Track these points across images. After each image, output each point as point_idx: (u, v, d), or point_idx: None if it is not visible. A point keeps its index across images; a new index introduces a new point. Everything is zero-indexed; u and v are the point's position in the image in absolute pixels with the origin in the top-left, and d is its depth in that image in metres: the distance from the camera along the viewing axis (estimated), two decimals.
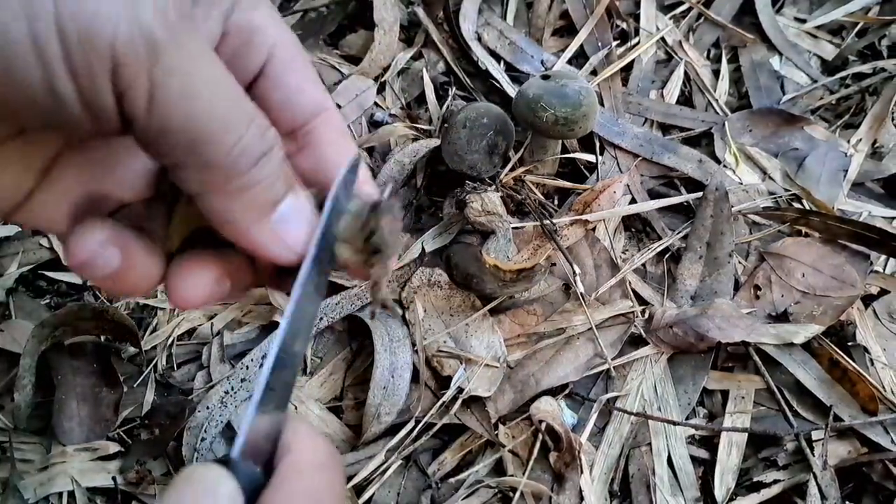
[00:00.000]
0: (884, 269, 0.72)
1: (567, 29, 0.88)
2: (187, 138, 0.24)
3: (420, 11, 0.85)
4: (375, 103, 0.81)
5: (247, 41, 0.30)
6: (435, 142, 0.75)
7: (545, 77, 0.70)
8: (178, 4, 0.24)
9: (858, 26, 0.88)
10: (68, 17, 0.22)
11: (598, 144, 0.78)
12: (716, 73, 0.86)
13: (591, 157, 0.77)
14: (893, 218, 0.76)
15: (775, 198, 0.75)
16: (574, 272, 0.67)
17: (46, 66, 0.22)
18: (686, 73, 0.85)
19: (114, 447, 0.61)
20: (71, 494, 0.58)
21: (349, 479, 0.59)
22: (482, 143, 0.69)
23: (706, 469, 0.62)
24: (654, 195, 0.76)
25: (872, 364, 0.65)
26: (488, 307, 0.67)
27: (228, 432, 0.62)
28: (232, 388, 0.62)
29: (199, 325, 0.67)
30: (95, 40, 0.22)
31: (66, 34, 0.22)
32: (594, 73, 0.83)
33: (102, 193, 0.32)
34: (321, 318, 0.65)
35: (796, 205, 0.75)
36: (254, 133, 0.26)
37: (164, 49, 0.23)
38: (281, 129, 0.30)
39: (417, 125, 0.78)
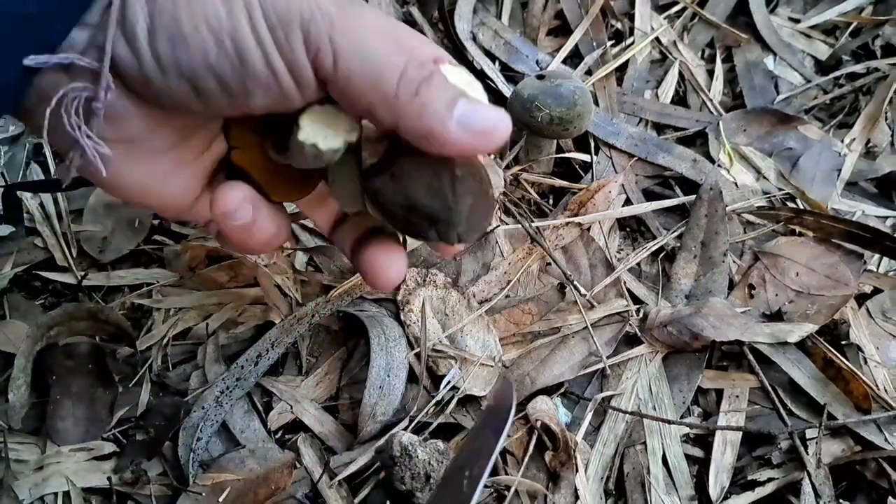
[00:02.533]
0: (877, 268, 0.72)
1: (562, 29, 0.88)
2: (368, 80, 0.32)
3: (415, 11, 0.85)
4: None
5: None
6: None
7: (540, 77, 0.70)
8: None
9: (852, 26, 0.89)
10: (270, 8, 0.31)
11: (592, 144, 0.78)
12: (710, 73, 0.86)
13: (585, 157, 0.77)
14: (887, 217, 0.76)
15: (769, 197, 0.76)
16: (567, 276, 0.67)
17: (262, 46, 0.32)
18: (680, 73, 0.85)
19: (109, 447, 0.61)
20: (66, 495, 0.58)
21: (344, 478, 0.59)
22: None
23: (701, 467, 0.62)
24: (648, 194, 0.77)
25: (866, 363, 0.66)
26: (484, 308, 0.67)
27: (224, 433, 0.62)
28: (227, 388, 0.62)
29: (195, 325, 0.67)
30: (291, 22, 0.31)
31: (270, 20, 0.31)
32: (589, 72, 0.83)
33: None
34: (313, 315, 0.65)
35: (790, 204, 0.76)
36: (413, 65, 0.33)
37: (335, 16, 0.32)
38: None
39: None
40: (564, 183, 0.75)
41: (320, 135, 0.35)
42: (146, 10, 0.31)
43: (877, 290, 0.70)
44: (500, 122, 0.35)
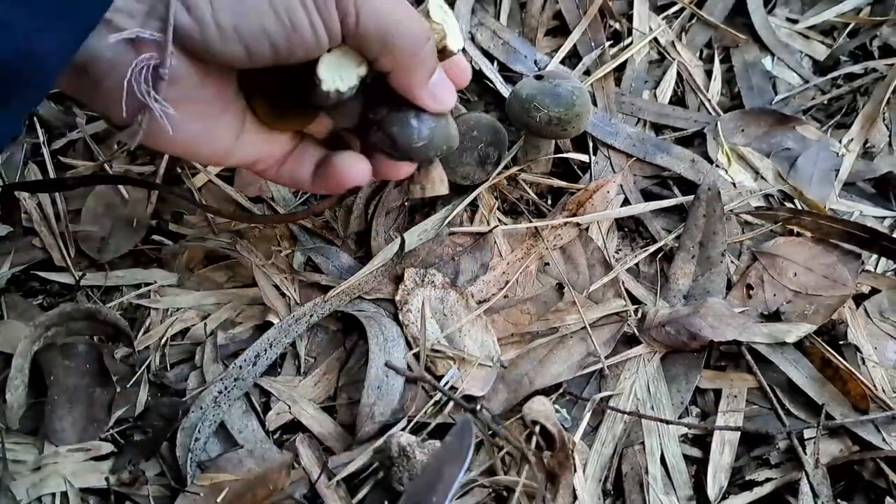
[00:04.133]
0: (875, 269, 0.72)
1: (560, 29, 0.88)
2: (380, 39, 0.42)
3: None
4: None
5: None
6: None
7: (538, 77, 0.70)
8: None
9: (850, 27, 0.89)
10: None
11: (591, 144, 0.78)
12: (708, 74, 0.86)
13: (584, 157, 0.77)
14: (885, 217, 0.76)
15: (767, 196, 0.76)
16: (566, 280, 0.67)
17: (307, 12, 0.39)
18: (679, 74, 0.85)
19: (107, 448, 0.60)
20: (64, 495, 0.58)
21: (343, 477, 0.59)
22: (473, 154, 0.69)
23: (699, 468, 0.62)
24: (647, 195, 0.77)
25: (864, 363, 0.66)
26: (482, 308, 0.67)
27: (222, 433, 0.62)
28: (226, 388, 0.62)
29: (193, 326, 0.67)
30: None
31: None
32: (587, 73, 0.83)
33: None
34: (311, 315, 0.65)
35: (788, 204, 0.76)
36: (419, 27, 0.43)
37: None
38: None
39: None
40: (563, 183, 0.75)
41: (339, 80, 0.43)
42: None
43: (874, 291, 0.71)
44: (452, 92, 0.49)
